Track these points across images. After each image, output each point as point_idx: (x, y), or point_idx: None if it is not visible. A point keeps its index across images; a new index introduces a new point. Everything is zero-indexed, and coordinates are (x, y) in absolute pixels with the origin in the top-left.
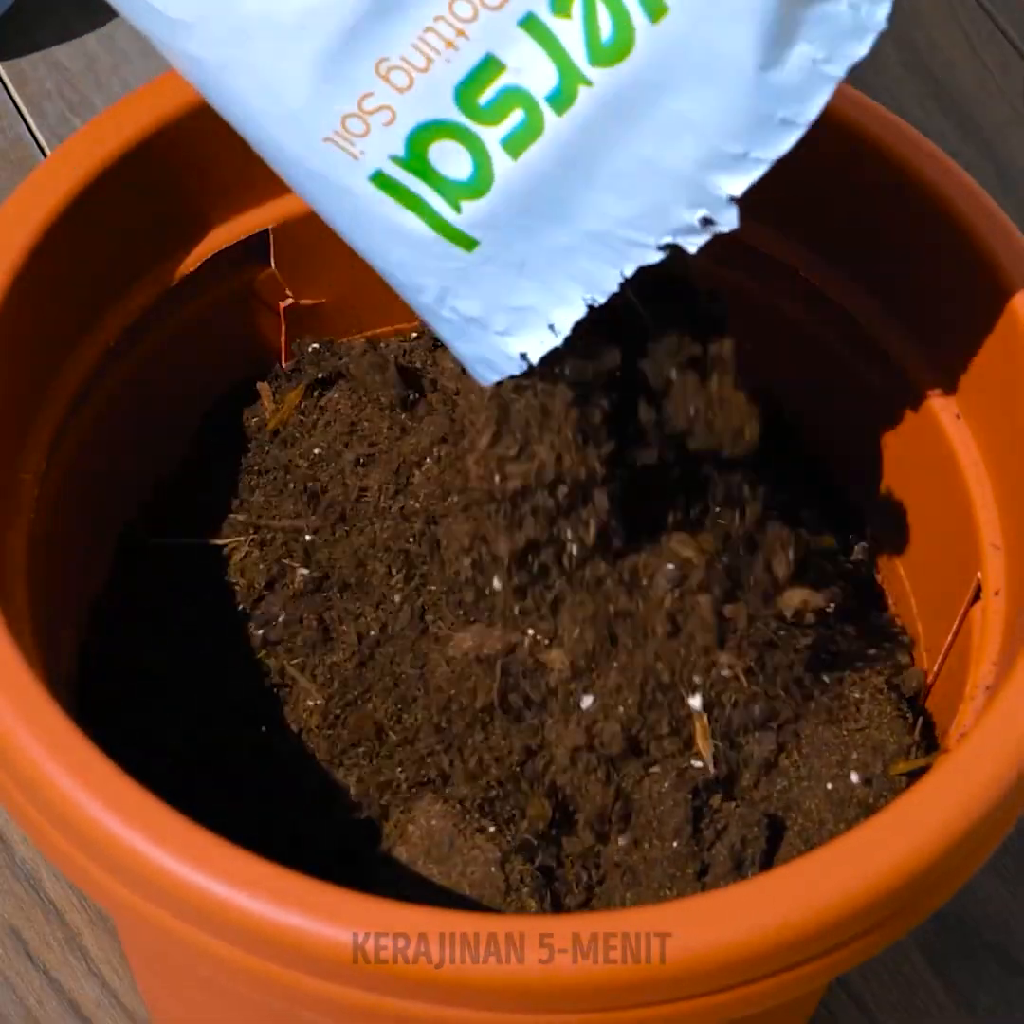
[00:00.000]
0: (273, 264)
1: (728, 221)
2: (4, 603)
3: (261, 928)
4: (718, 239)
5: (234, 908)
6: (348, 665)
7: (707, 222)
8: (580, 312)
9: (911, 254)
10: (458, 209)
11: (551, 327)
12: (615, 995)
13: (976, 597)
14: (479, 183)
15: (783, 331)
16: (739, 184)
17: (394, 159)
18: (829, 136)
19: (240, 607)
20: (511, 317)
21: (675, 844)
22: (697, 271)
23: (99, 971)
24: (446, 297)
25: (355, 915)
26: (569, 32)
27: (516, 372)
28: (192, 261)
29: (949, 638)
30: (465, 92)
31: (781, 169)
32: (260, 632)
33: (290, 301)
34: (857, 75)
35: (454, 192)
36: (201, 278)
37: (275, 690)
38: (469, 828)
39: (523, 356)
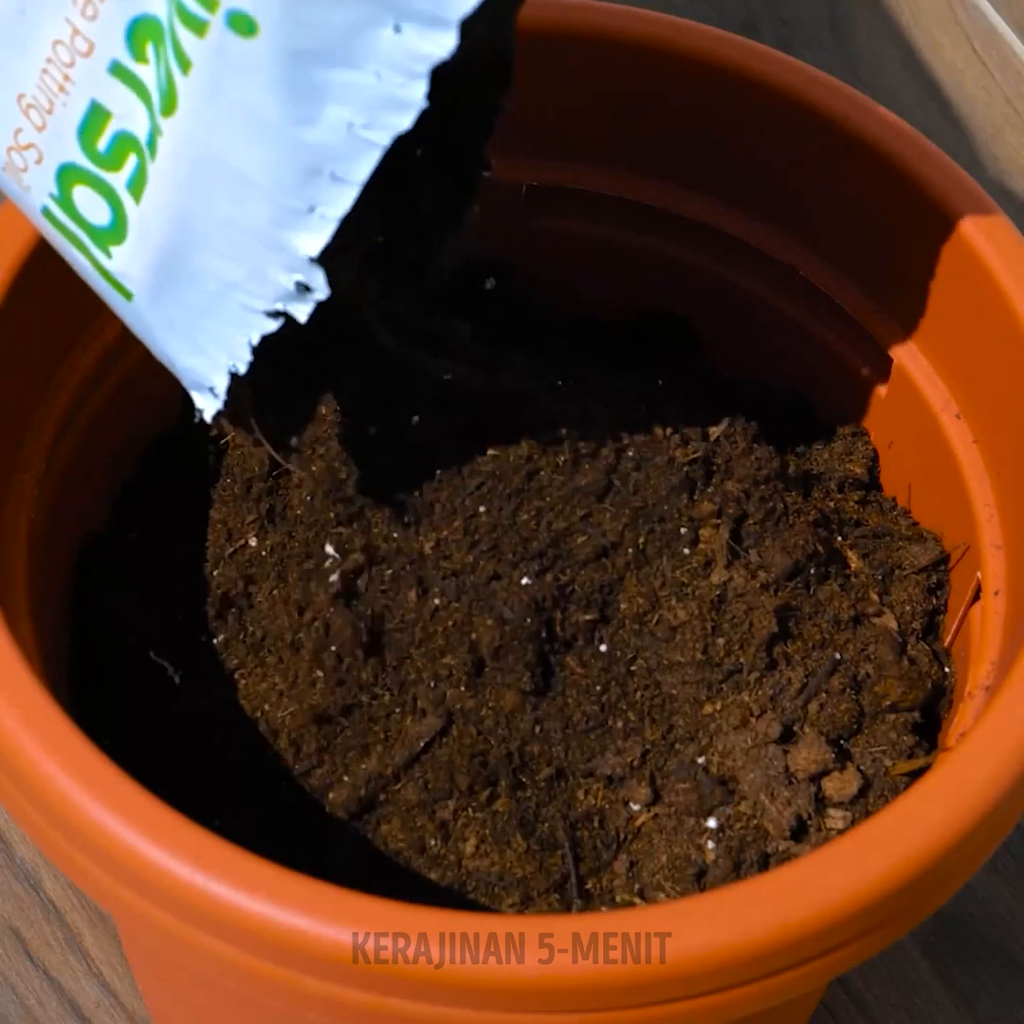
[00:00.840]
0: None
1: (319, 285)
2: (4, 603)
3: (261, 928)
4: (724, 240)
5: (234, 908)
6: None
7: (304, 287)
8: (225, 378)
9: (910, 254)
10: (109, 255)
11: (212, 390)
12: (615, 995)
13: (976, 597)
14: (118, 229)
15: (781, 331)
16: (314, 242)
17: (53, 198)
18: (827, 137)
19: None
20: (184, 374)
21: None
22: None
23: (99, 971)
24: (140, 339)
25: (355, 915)
26: (150, 78)
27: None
28: None
29: (949, 638)
30: (85, 137)
31: (781, 170)
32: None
33: None
34: (855, 75)
35: (102, 238)
36: None
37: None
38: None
39: (200, 411)
